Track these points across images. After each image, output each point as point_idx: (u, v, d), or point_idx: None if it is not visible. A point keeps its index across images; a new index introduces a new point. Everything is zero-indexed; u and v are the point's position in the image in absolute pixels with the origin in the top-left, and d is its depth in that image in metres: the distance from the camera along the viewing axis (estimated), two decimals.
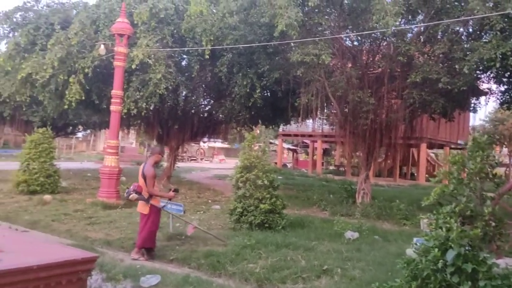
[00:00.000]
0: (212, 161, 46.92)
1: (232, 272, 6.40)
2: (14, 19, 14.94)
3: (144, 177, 7.00)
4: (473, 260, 3.44)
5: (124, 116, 13.29)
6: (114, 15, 13.07)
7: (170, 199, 7.72)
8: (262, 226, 8.74)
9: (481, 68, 9.50)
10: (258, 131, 43.16)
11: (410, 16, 11.59)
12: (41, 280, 3.17)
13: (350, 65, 12.51)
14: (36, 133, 13.62)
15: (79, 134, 48.01)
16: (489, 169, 3.79)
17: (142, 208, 7.11)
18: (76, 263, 4.51)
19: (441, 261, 3.52)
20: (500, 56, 8.73)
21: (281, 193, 15.69)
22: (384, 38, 11.58)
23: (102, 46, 12.26)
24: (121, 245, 7.81)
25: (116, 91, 11.95)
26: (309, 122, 25.52)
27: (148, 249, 7.12)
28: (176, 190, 7.71)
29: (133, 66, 12.11)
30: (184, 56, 15.09)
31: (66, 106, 13.66)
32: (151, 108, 13.12)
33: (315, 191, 15.74)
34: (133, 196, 6.96)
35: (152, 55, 12.50)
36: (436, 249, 3.56)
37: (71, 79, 13.19)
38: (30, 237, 6.34)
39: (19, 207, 10.88)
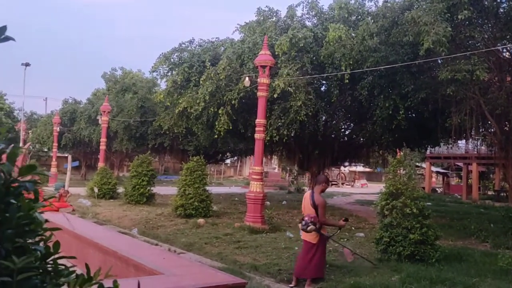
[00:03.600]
0: (353, 185, 45.88)
1: None
2: (172, 60, 16.80)
3: (315, 207, 6.98)
4: None
5: (267, 143, 13.80)
6: (257, 48, 13.82)
7: (340, 228, 7.68)
8: (412, 258, 8.11)
9: None
10: (401, 154, 40.98)
11: None
12: None
13: (509, 79, 11.14)
14: (191, 161, 14.92)
15: (227, 161, 51.59)
16: None
17: (309, 237, 7.02)
18: None
19: None
20: None
21: (431, 221, 14.56)
22: None
23: (247, 78, 13.01)
24: (267, 271, 7.94)
25: (260, 120, 12.47)
26: (461, 143, 23.33)
27: (316, 279, 7.04)
28: (346, 220, 7.63)
29: (275, 95, 12.57)
30: (323, 82, 15.20)
31: (216, 136, 14.77)
32: (292, 135, 13.41)
33: (472, 220, 14.16)
34: (312, 227, 6.87)
35: (293, 83, 12.84)
36: None
37: (220, 111, 14.26)
38: (186, 260, 6.89)
39: (177, 229, 11.93)
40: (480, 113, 10.48)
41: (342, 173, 47.69)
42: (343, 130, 17.59)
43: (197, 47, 17.24)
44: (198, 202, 13.99)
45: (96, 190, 18.82)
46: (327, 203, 20.86)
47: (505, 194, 26.91)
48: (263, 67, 12.51)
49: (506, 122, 10.71)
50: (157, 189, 18.91)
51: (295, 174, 31.11)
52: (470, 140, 17.62)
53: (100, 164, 21.66)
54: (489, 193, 31.50)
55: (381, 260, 8.44)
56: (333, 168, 44.51)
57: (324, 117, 15.43)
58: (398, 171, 9.02)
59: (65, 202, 14.63)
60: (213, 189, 17.30)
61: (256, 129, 12.62)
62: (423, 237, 8.20)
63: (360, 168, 46.82)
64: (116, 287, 1.23)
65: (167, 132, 19.57)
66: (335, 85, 13.46)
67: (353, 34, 12.84)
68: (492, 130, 11.68)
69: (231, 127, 14.44)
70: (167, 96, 16.13)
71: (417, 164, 39.19)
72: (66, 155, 32.38)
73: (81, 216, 13.40)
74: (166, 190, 21.45)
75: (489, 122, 11.01)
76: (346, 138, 17.88)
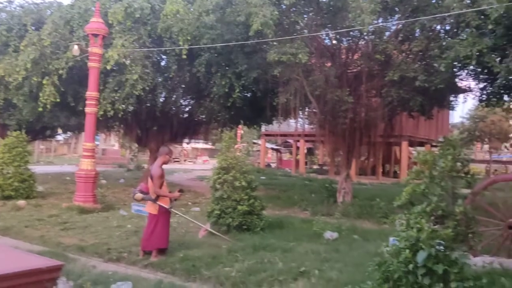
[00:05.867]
0: (195, 162, 46.60)
1: (207, 276, 6.24)
2: None
3: (152, 178, 7.11)
4: (445, 261, 3.36)
5: (101, 118, 13.01)
6: (89, 15, 12.77)
7: (175, 199, 7.78)
8: (240, 228, 8.60)
9: (458, 65, 9.49)
10: (241, 132, 43.06)
11: (388, 15, 11.58)
12: None
13: (329, 64, 12.44)
14: (9, 136, 13.26)
15: (60, 137, 47.23)
16: (460, 167, 3.72)
17: (150, 208, 7.19)
18: (40, 272, 4.32)
19: (412, 262, 3.43)
20: (477, 54, 8.72)
21: (262, 193, 15.60)
22: (362, 36, 11.54)
23: (76, 46, 11.97)
24: (95, 251, 7.59)
25: (91, 93, 11.69)
26: (292, 121, 25.43)
27: (161, 250, 7.19)
28: (181, 190, 7.83)
29: (108, 67, 11.89)
30: (163, 56, 14.86)
31: (40, 109, 13.33)
32: (129, 110, 12.87)
33: (296, 191, 15.64)
34: (138, 195, 7.08)
35: (129, 56, 12.27)
36: (407, 250, 3.47)
37: (44, 81, 12.90)
38: None
39: None
40: (303, 94, 11.48)
41: (184, 150, 47.99)
42: (183, 106, 17.56)
43: (17, 8, 15.18)
44: (18, 182, 12.58)
45: None
46: (168, 180, 20.70)
47: (327, 168, 30.44)
48: (95, 35, 11.69)
49: (325, 103, 11.90)
50: None
51: (135, 151, 30.15)
52: (299, 118, 19.31)
53: None
54: (315, 167, 35.21)
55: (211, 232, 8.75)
56: (175, 145, 44.50)
57: (163, 93, 15.14)
58: (237, 146, 9.41)
59: None
60: (42, 168, 15.79)
61: (87, 102, 11.80)
62: (251, 208, 8.74)
63: (202, 145, 47.68)
64: None
65: None
66: (174, 60, 13.28)
67: (191, 9, 12.76)
68: (314, 110, 12.90)
69: (58, 100, 13.18)
70: None
71: (254, 141, 41.74)
72: None
73: None
74: None
75: (311, 103, 12.11)
76: (186, 115, 17.89)
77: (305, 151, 35.47)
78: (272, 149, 43.05)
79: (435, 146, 30.09)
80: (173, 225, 9.42)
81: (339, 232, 8.76)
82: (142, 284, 5.76)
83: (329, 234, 8.46)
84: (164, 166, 7.47)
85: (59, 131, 27.84)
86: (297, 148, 31.45)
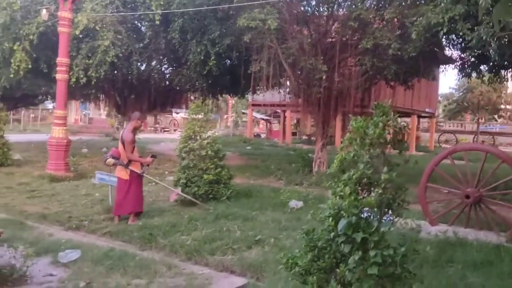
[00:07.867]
0: None
1: (163, 244, 6.24)
2: None
3: (123, 142, 7.16)
4: (366, 229, 3.30)
5: (73, 86, 12.77)
6: None
7: (148, 165, 7.82)
8: (206, 196, 8.56)
9: (430, 33, 9.23)
10: (232, 102, 42.60)
11: None
12: None
13: (306, 31, 12.13)
14: None
15: (50, 106, 46.62)
16: (391, 135, 3.62)
17: (121, 173, 7.27)
18: None
19: (334, 230, 3.39)
20: (448, 21, 8.49)
21: (243, 163, 15.52)
22: (338, 2, 11.21)
23: (44, 10, 11.67)
24: (56, 219, 7.59)
25: (61, 59, 11.46)
26: (279, 91, 25.13)
27: (137, 213, 7.38)
28: (154, 156, 7.94)
29: (77, 32, 11.59)
30: (142, 22, 14.47)
31: (12, 75, 13.08)
32: (101, 77, 12.62)
33: (276, 161, 15.58)
34: (110, 161, 7.16)
35: (100, 21, 11.93)
36: (331, 218, 3.41)
37: (15, 47, 12.59)
38: None
39: None
40: (278, 61, 11.23)
41: (175, 120, 47.65)
42: (160, 74, 17.22)
43: None
44: None
45: None
46: (151, 149, 20.50)
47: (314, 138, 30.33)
48: None
49: (299, 72, 11.67)
50: None
51: (121, 120, 29.85)
52: (287, 88, 18.79)
53: None
54: (304, 137, 35.10)
55: (177, 200, 8.72)
56: (167, 115, 44.04)
57: (139, 60, 14.80)
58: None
59: None
60: (27, 137, 15.65)
61: (58, 69, 11.61)
62: (217, 177, 8.69)
63: None
64: None
65: None
66: (148, 26, 12.96)
67: None
68: (288, 78, 12.63)
69: (30, 66, 12.91)
70: None
71: (243, 111, 41.48)
72: None
73: None
74: None
75: (285, 71, 11.83)
76: (165, 83, 17.57)
77: (295, 121, 35.31)
78: (262, 119, 42.85)
79: (423, 117, 30.00)
80: (143, 194, 9.38)
81: (305, 201, 8.74)
82: (93, 252, 5.72)
83: (294, 203, 8.45)
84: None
85: (42, 98, 27.50)
86: (285, 118, 31.26)
